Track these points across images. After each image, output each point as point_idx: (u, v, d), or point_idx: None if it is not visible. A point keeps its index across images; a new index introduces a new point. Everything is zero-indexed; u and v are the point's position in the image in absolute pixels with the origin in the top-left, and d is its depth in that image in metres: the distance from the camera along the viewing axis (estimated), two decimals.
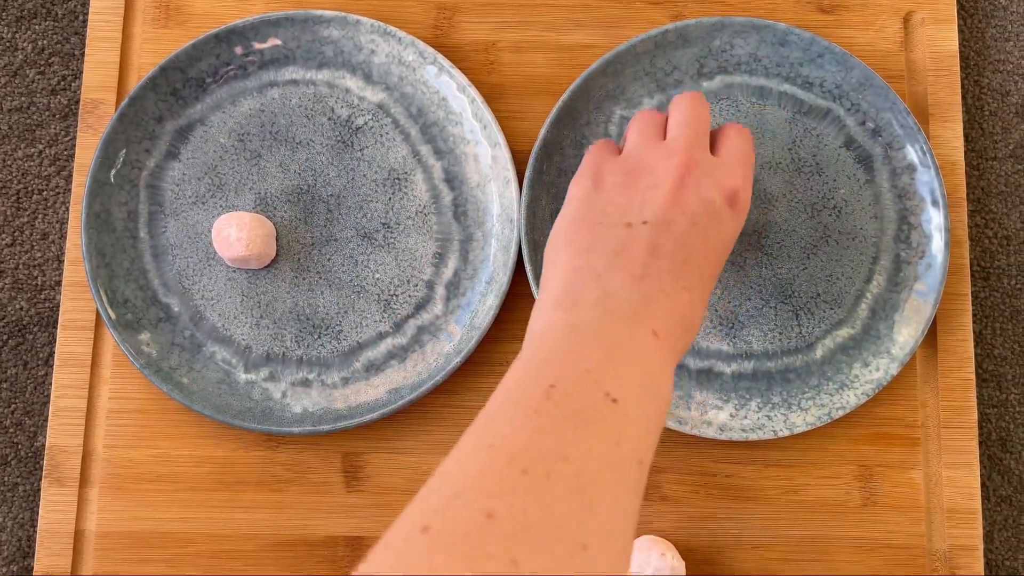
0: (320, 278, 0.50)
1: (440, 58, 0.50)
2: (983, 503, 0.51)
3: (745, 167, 0.42)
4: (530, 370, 0.34)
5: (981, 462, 0.51)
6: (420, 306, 0.50)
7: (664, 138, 0.42)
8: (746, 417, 0.49)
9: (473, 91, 0.50)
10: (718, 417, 0.49)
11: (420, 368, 0.49)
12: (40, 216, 0.53)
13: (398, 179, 0.51)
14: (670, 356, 0.37)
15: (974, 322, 0.53)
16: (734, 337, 0.50)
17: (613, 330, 0.36)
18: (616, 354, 0.35)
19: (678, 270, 0.38)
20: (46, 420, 0.51)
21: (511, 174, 0.50)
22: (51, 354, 0.52)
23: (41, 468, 0.51)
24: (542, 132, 0.50)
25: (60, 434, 0.49)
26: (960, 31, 0.56)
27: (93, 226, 0.49)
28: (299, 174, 0.51)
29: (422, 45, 0.51)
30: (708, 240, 0.39)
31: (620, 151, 0.43)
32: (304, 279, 0.50)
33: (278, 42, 0.51)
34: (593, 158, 0.43)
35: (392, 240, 0.51)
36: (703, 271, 0.39)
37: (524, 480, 0.30)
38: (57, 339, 0.50)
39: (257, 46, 0.51)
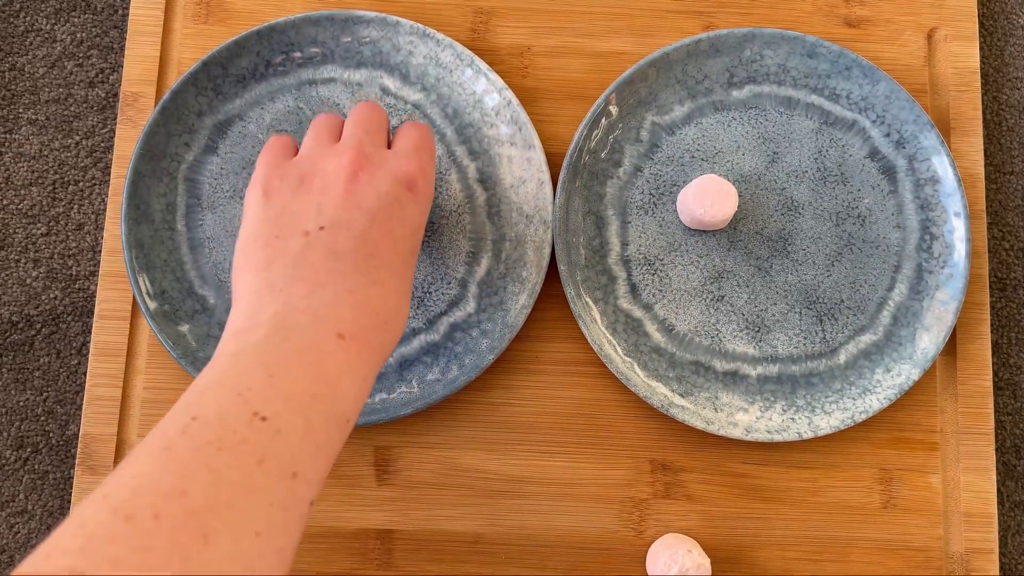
0: None
1: (477, 60, 0.51)
2: (998, 508, 0.52)
3: (420, 152, 0.42)
4: (178, 407, 0.33)
5: (996, 468, 0.53)
6: (453, 304, 0.51)
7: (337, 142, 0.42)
8: (771, 419, 0.50)
9: (509, 93, 0.51)
10: (744, 419, 0.50)
11: (452, 365, 0.50)
12: (76, 207, 0.54)
13: None
14: (362, 354, 0.36)
15: (991, 332, 0.54)
16: (760, 341, 0.51)
17: (285, 344, 0.35)
18: (279, 369, 0.34)
19: (363, 266, 0.38)
20: (78, 409, 0.52)
21: (545, 176, 0.51)
22: (84, 343, 0.52)
23: (72, 457, 0.51)
24: (576, 135, 0.51)
25: (94, 422, 0.49)
26: (980, 48, 0.57)
27: (132, 217, 0.50)
28: None
29: (460, 47, 0.52)
30: (392, 231, 0.39)
31: (296, 151, 0.43)
32: None
33: (317, 50, 0.52)
34: (263, 166, 0.41)
35: (426, 238, 0.51)
36: (392, 261, 0.39)
37: (126, 528, 0.28)
38: (93, 328, 0.50)
39: (297, 49, 0.52)
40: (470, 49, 0.53)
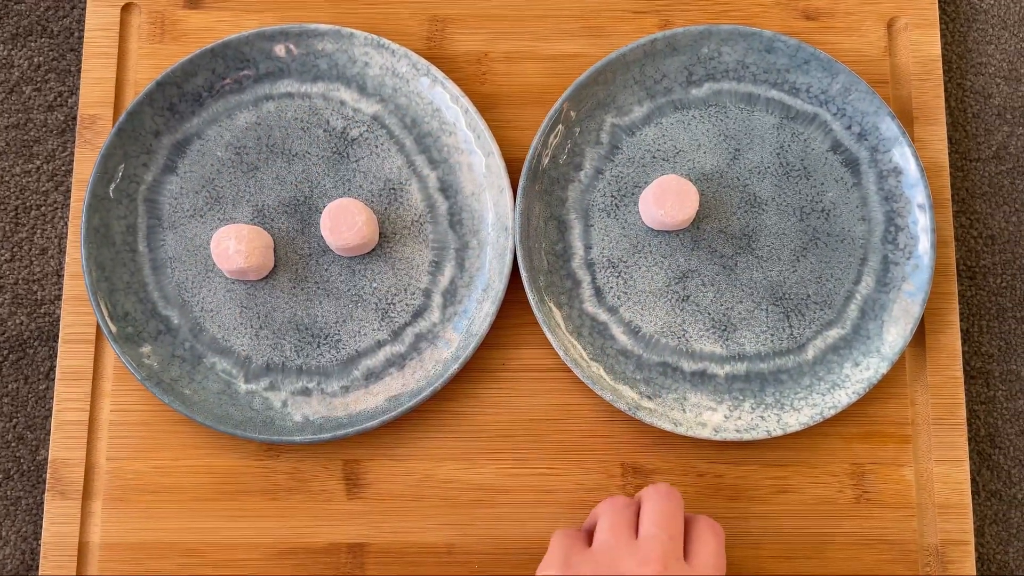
0: (318, 288, 0.51)
1: (433, 69, 0.51)
2: (973, 498, 0.52)
3: (720, 570, 0.40)
4: None
5: (970, 458, 0.52)
6: (417, 314, 0.51)
7: (636, 533, 0.41)
8: (740, 418, 0.49)
9: (466, 101, 0.51)
10: (712, 418, 0.49)
11: (419, 375, 0.50)
12: (39, 231, 0.53)
13: (393, 189, 0.52)
14: None
15: (961, 320, 0.54)
16: (727, 339, 0.51)
17: None
18: None
19: None
20: (48, 434, 0.52)
21: (505, 183, 0.50)
22: (51, 368, 0.52)
23: (43, 482, 0.51)
24: (535, 140, 0.51)
25: (63, 447, 0.49)
26: (942, 35, 0.57)
27: (92, 240, 0.50)
28: (296, 186, 0.52)
29: (415, 57, 0.51)
30: None
31: (589, 540, 0.41)
32: (302, 289, 0.51)
33: (274, 59, 0.52)
34: (562, 547, 0.41)
35: (389, 249, 0.51)
36: None
37: None
38: (58, 353, 0.50)
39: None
40: (427, 57, 0.53)
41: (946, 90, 0.56)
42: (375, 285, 0.51)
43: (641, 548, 0.39)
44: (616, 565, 0.39)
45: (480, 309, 0.50)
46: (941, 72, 0.54)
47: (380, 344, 0.50)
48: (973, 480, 0.52)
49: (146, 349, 0.49)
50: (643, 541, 0.40)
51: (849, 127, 0.52)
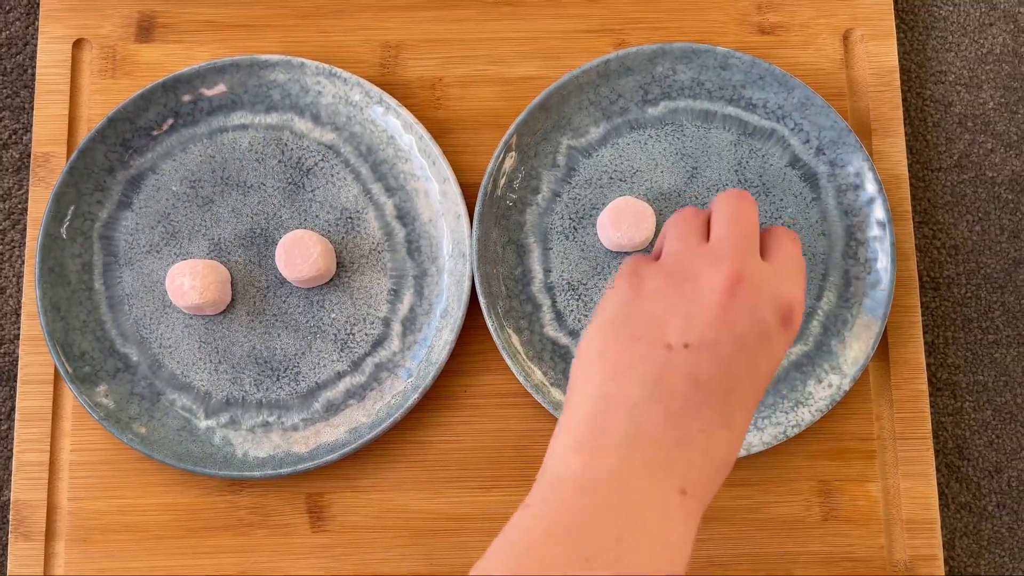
0: (276, 320, 0.50)
1: (386, 97, 0.51)
2: (943, 511, 0.52)
3: (800, 276, 0.37)
4: (528, 542, 0.31)
5: (939, 470, 0.52)
6: (377, 343, 0.50)
7: (707, 240, 0.37)
8: None
9: (420, 128, 0.51)
10: None
11: (379, 406, 0.50)
12: None
13: (351, 218, 0.51)
14: (696, 512, 0.33)
15: (926, 332, 0.53)
16: None
17: (635, 485, 0.32)
18: (628, 529, 0.31)
19: (721, 401, 0.34)
20: (10, 475, 0.51)
21: (461, 208, 0.50)
22: (12, 408, 0.52)
23: (7, 523, 0.51)
24: (490, 166, 0.50)
25: (24, 489, 0.49)
26: (901, 44, 0.56)
27: (47, 280, 0.49)
28: (252, 218, 0.51)
29: (367, 85, 0.51)
30: (756, 366, 0.35)
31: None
32: (261, 322, 0.50)
33: (224, 89, 0.51)
34: (630, 265, 0.38)
35: (347, 279, 0.51)
36: (747, 402, 0.34)
37: None
38: (17, 393, 0.50)
39: (205, 93, 0.51)
40: (381, 84, 0.53)
41: (905, 99, 0.56)
42: (334, 316, 0.51)
43: (713, 248, 0.36)
44: (687, 269, 0.36)
45: (439, 337, 0.50)
46: (899, 83, 0.54)
47: (340, 375, 0.50)
48: (942, 493, 0.52)
49: (103, 388, 0.49)
50: (715, 242, 0.37)
51: (807, 142, 0.52)
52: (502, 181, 0.51)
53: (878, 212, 0.51)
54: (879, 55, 0.54)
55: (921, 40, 0.57)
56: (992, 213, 0.55)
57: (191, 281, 0.48)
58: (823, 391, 0.50)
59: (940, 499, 0.52)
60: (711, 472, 0.34)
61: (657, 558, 0.31)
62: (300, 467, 0.48)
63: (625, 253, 0.51)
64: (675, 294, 0.35)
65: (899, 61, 0.55)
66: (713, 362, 0.34)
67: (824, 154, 0.52)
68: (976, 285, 0.54)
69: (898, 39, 0.56)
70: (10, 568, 0.49)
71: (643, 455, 0.33)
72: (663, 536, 0.32)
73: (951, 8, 0.57)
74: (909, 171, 0.54)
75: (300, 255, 0.48)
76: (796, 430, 0.49)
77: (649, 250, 0.51)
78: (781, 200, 0.52)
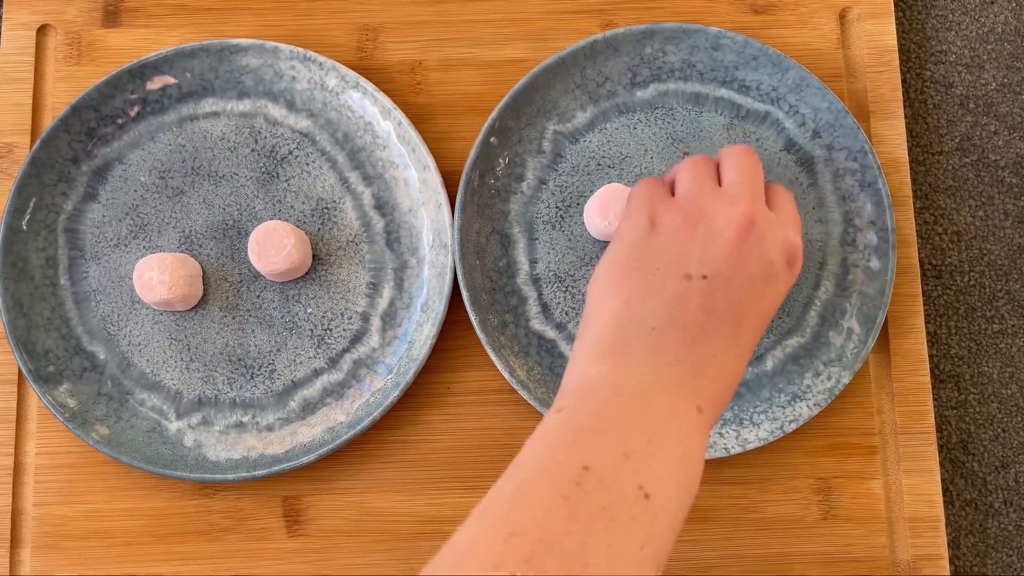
0: (251, 316, 0.48)
1: (363, 82, 0.49)
2: (947, 508, 0.50)
3: (799, 230, 0.41)
4: (565, 438, 0.33)
5: (943, 466, 0.50)
6: (356, 339, 0.48)
7: (720, 185, 0.40)
8: None
9: (399, 114, 0.49)
10: None
11: (358, 404, 0.47)
12: None
13: (327, 208, 0.49)
14: (707, 429, 0.36)
15: (928, 322, 0.51)
16: None
17: (659, 400, 0.34)
18: (658, 434, 0.33)
19: (732, 330, 0.37)
20: None
21: (443, 197, 0.48)
22: None
23: None
24: (472, 152, 0.48)
25: None
26: (899, 23, 0.54)
27: (9, 276, 0.47)
28: (224, 209, 0.49)
29: (344, 69, 0.49)
30: (763, 300, 0.38)
31: (671, 192, 0.41)
32: (234, 318, 0.48)
33: (171, 80, 0.49)
34: (645, 195, 0.40)
35: (324, 272, 0.49)
36: (752, 335, 0.37)
37: None
38: None
39: (171, 80, 0.49)
40: (358, 68, 0.51)
41: (905, 81, 0.53)
42: (310, 311, 0.48)
43: (727, 192, 0.39)
44: (704, 208, 0.39)
45: (420, 331, 0.48)
46: (898, 63, 0.51)
47: (317, 373, 0.48)
48: (947, 489, 0.50)
49: (68, 387, 0.47)
50: (728, 187, 0.39)
51: (802, 125, 0.50)
52: (485, 168, 0.49)
53: (877, 196, 0.48)
54: (877, 34, 0.52)
55: (920, 19, 0.55)
56: (996, 198, 0.53)
57: (159, 275, 0.46)
58: (821, 384, 0.47)
59: (944, 496, 0.50)
60: (722, 392, 0.36)
61: (682, 464, 0.34)
62: (276, 468, 0.46)
63: None
64: (691, 230, 0.38)
65: (898, 41, 0.53)
66: (727, 294, 0.37)
67: (820, 137, 0.50)
68: (980, 273, 0.52)
69: (896, 18, 0.54)
70: None
71: (664, 374, 0.35)
72: (686, 445, 0.34)
73: None
74: (909, 155, 0.52)
75: (273, 247, 0.46)
76: (794, 425, 0.47)
77: None
78: None
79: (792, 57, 0.50)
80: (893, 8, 0.52)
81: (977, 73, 0.54)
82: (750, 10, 0.52)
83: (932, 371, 0.51)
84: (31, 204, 0.48)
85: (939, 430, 0.50)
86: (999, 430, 0.51)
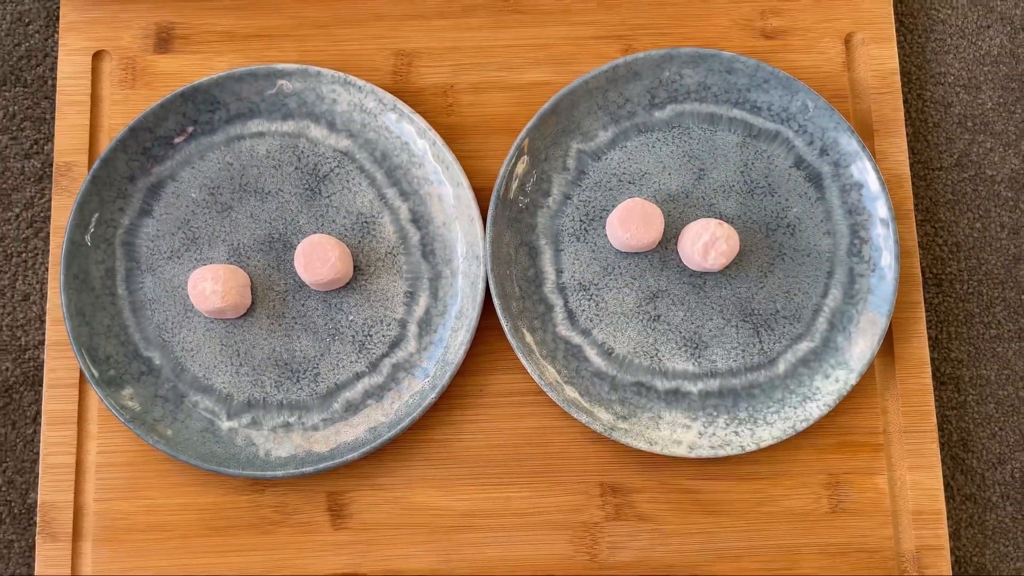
0: (296, 323, 0.52)
1: (399, 104, 0.52)
2: (948, 503, 0.53)
3: None
4: None
5: (944, 463, 0.53)
6: (394, 344, 0.52)
7: None
8: (714, 434, 0.50)
9: (433, 134, 0.52)
10: (687, 436, 0.50)
11: (397, 405, 0.51)
12: (20, 278, 0.54)
13: (366, 222, 0.53)
14: None
15: (930, 328, 0.55)
16: (699, 357, 0.52)
17: None
18: None
19: None
20: (37, 477, 0.53)
21: (475, 212, 0.51)
22: (38, 412, 0.53)
23: (35, 524, 0.52)
24: (502, 170, 0.52)
25: (51, 490, 0.50)
26: (901, 46, 0.58)
27: (72, 286, 0.51)
28: (270, 223, 0.53)
29: (381, 92, 0.52)
30: None
31: None
32: (280, 325, 0.52)
33: (239, 98, 0.52)
34: None
35: (364, 282, 0.52)
36: None
37: None
38: (43, 398, 0.51)
39: (222, 107, 0.53)
40: (394, 91, 0.54)
41: (906, 101, 0.57)
42: (351, 318, 0.52)
43: None
44: None
45: (455, 337, 0.51)
46: (899, 85, 0.55)
47: (358, 376, 0.51)
48: (947, 485, 0.53)
49: (128, 391, 0.50)
50: None
51: (811, 143, 0.53)
52: (514, 184, 0.52)
53: (881, 210, 0.52)
54: (880, 58, 0.55)
55: (920, 43, 0.58)
56: (992, 211, 0.56)
57: (213, 285, 0.49)
58: (830, 386, 0.51)
59: (945, 491, 0.53)
60: None
61: None
62: (321, 466, 0.49)
63: (635, 254, 0.53)
64: None
65: (899, 63, 0.56)
66: None
67: (827, 155, 0.53)
68: (978, 281, 0.55)
69: (898, 42, 0.57)
70: (38, 568, 0.50)
71: None
72: None
73: (949, 11, 0.58)
74: (910, 171, 0.55)
75: (319, 259, 0.50)
76: (805, 424, 0.50)
77: (657, 251, 0.52)
78: (786, 200, 0.53)
79: (800, 79, 0.54)
80: (895, 33, 0.56)
81: (974, 93, 0.57)
82: (761, 35, 0.56)
83: (933, 373, 0.54)
84: (93, 219, 0.51)
85: (940, 429, 0.54)
86: (996, 428, 0.54)
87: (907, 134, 0.56)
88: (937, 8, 0.58)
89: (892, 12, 0.56)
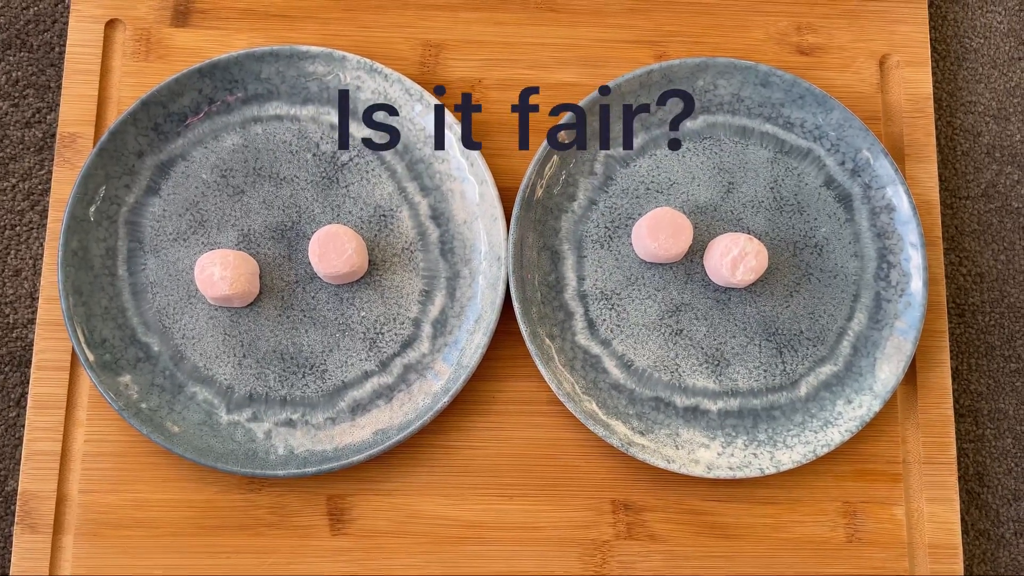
0: (304, 316, 0.49)
1: (427, 95, 0.50)
2: (962, 537, 0.52)
3: None
4: None
5: (959, 497, 0.52)
6: (407, 344, 0.49)
7: None
8: (732, 455, 0.49)
9: (460, 129, 0.50)
10: (705, 455, 0.49)
11: (407, 408, 0.49)
12: (13, 252, 0.52)
13: (384, 216, 0.51)
14: None
15: (950, 358, 0.54)
16: (720, 375, 0.50)
17: None
18: None
19: None
20: (17, 464, 0.50)
21: (498, 211, 0.50)
22: (23, 395, 0.50)
23: (12, 514, 0.49)
24: (529, 170, 0.50)
25: (33, 479, 0.47)
26: (933, 73, 0.57)
27: (70, 263, 0.48)
28: (283, 211, 0.50)
29: (408, 82, 0.50)
30: None
31: None
32: (288, 317, 0.49)
33: (258, 79, 0.50)
34: None
35: (378, 277, 0.50)
36: None
37: None
38: (31, 380, 0.48)
39: (240, 87, 0.50)
40: (419, 83, 0.52)
41: (936, 127, 0.56)
42: (363, 314, 0.50)
43: None
44: None
45: (471, 340, 0.49)
46: (932, 110, 0.54)
47: (367, 375, 0.49)
48: (962, 519, 0.52)
49: (125, 378, 0.48)
50: None
51: (842, 163, 0.52)
52: (541, 186, 0.51)
53: (912, 235, 0.51)
54: (915, 82, 0.54)
55: (953, 70, 0.58)
56: (1017, 243, 0.56)
57: (221, 271, 0.47)
58: (853, 411, 0.49)
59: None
60: None
61: None
62: (324, 467, 0.47)
63: (659, 265, 0.51)
64: None
65: (932, 90, 0.56)
66: None
67: (859, 176, 0.52)
68: (1000, 313, 0.55)
69: (931, 68, 0.57)
70: (14, 561, 0.47)
71: None
72: None
73: (982, 40, 0.58)
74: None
75: (335, 250, 0.47)
76: (825, 450, 0.49)
77: (682, 264, 0.51)
78: (815, 219, 0.52)
79: (834, 98, 0.53)
80: (930, 58, 0.55)
81: (1003, 124, 0.57)
82: (796, 51, 0.55)
83: (952, 405, 0.53)
84: (100, 194, 0.49)
85: (957, 462, 0.53)
86: (1012, 464, 0.53)
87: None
88: (971, 37, 0.58)
89: (928, 36, 0.55)
